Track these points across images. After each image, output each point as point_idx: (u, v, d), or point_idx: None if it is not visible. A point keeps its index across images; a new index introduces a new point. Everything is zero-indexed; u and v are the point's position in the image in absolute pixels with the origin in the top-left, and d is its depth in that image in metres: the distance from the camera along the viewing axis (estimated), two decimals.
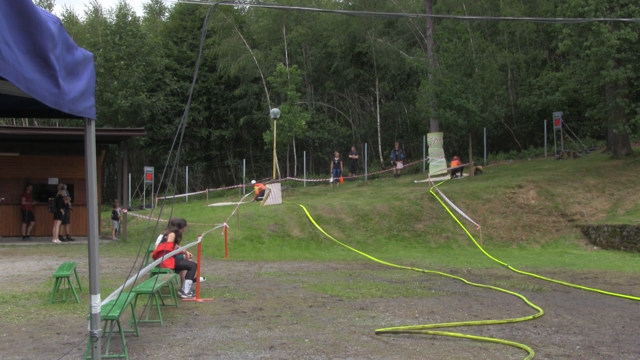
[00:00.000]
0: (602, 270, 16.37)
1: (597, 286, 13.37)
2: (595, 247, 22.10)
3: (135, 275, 7.29)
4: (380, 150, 44.15)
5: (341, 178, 34.49)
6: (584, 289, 12.98)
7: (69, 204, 24.44)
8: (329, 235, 23.13)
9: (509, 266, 16.98)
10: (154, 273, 11.19)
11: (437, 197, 25.75)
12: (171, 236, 12.25)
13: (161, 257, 10.46)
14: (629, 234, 21.16)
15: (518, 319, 9.71)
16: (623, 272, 16.20)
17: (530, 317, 9.89)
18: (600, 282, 14.12)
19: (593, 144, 35.98)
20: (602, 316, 10.15)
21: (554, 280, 14.18)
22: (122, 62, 42.75)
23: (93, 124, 4.91)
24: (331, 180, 34.37)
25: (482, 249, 21.68)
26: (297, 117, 33.08)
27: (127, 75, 42.61)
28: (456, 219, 24.28)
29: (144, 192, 38.86)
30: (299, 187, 36.39)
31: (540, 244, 23.02)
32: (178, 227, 12.72)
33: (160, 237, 12.81)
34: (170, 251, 11.54)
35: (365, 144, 40.78)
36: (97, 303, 5.09)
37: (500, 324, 9.46)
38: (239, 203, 27.54)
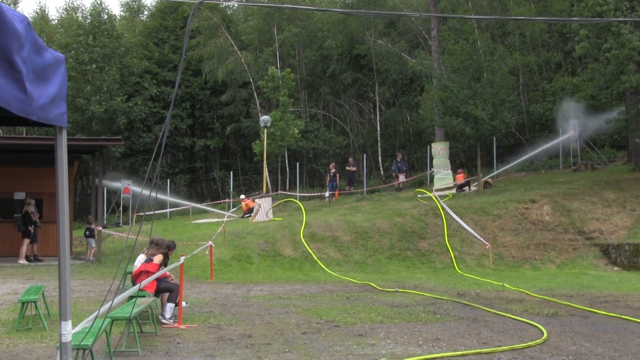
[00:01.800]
0: (623, 293, 16.37)
1: (618, 311, 13.36)
2: (615, 268, 22.11)
3: (112, 299, 7.25)
4: (380, 161, 44.20)
5: (337, 192, 34.49)
6: (603, 314, 12.97)
7: (37, 220, 24.27)
8: (316, 259, 23.10)
9: (523, 289, 16.98)
10: (131, 297, 11.13)
11: (433, 213, 25.76)
12: (158, 258, 12.22)
13: (145, 280, 10.42)
14: None
15: (524, 345, 9.68)
16: None
17: (540, 340, 9.87)
18: (622, 307, 14.11)
19: (613, 155, 36.06)
20: (624, 344, 10.13)
21: (570, 304, 14.17)
22: (94, 65, 42.70)
23: (64, 132, 4.89)
24: (327, 194, 34.36)
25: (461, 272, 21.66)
26: (290, 125, 33.11)
27: (101, 79, 42.59)
28: (461, 237, 24.31)
29: (121, 208, 38.78)
30: (292, 202, 36.37)
31: (556, 264, 23.03)
32: (167, 249, 12.72)
33: (141, 257, 12.77)
34: (153, 272, 11.50)
35: (364, 154, 40.81)
36: (68, 330, 5.05)
37: (512, 350, 9.43)
38: (225, 219, 27.50)
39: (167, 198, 38.72)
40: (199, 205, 38.15)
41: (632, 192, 26.48)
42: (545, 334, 10.45)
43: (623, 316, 12.60)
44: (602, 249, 23.25)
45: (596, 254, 23.16)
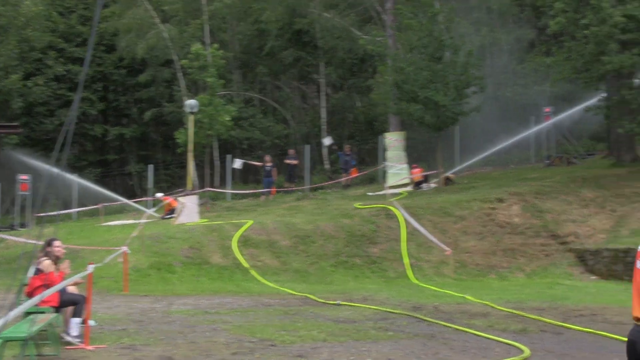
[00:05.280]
0: (601, 306, 16.64)
1: (595, 326, 13.58)
2: (593, 277, 22.45)
3: (4, 316, 7.13)
4: (325, 154, 44.24)
5: (273, 189, 34.44)
6: (578, 330, 13.17)
7: None
8: (248, 267, 23.05)
9: (487, 301, 17.17)
10: (28, 313, 10.93)
11: (386, 214, 25.90)
12: (47, 265, 11.78)
13: (46, 292, 10.14)
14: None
15: None
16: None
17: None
18: (600, 321, 14.36)
19: (591, 147, 36.65)
20: None
21: (542, 319, 14.36)
22: None
23: None
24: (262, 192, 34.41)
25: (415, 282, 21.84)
26: (220, 111, 32.96)
27: None
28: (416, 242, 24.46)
29: (18, 208, 38.12)
30: (222, 201, 36.20)
31: (525, 272, 23.30)
32: (46, 246, 12.18)
33: (32, 269, 12.36)
34: (54, 283, 11.18)
35: (307, 146, 40.79)
36: None
37: None
38: (142, 221, 27.24)
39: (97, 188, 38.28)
40: (119, 198, 37.80)
41: (612, 191, 26.83)
42: (528, 352, 10.55)
43: (600, 332, 12.80)
44: (577, 255, 23.53)
45: (571, 261, 23.47)
